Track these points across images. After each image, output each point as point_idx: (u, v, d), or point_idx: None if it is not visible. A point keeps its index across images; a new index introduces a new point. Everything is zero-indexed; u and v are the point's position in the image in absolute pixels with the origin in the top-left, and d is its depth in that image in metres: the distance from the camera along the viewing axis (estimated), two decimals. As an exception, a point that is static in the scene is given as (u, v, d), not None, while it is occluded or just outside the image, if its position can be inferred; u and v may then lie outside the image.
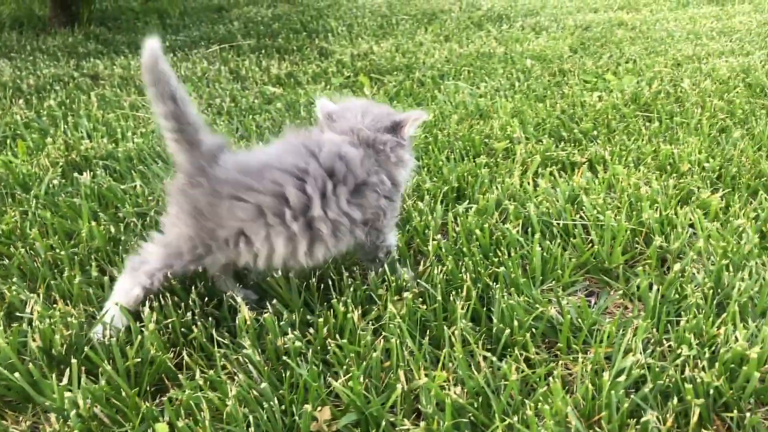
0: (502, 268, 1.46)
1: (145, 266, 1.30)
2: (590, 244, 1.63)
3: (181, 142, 1.21)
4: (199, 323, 1.27)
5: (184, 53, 3.56)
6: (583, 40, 3.91)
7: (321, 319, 1.26)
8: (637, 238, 1.66)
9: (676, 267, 1.45)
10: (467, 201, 1.85)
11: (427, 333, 1.28)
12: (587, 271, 1.57)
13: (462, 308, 1.32)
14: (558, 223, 1.70)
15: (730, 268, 1.47)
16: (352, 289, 1.37)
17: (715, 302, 1.37)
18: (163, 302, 1.31)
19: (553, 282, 1.51)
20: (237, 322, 1.28)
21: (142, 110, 2.64)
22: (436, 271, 1.43)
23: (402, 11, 4.86)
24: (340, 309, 1.29)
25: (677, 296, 1.40)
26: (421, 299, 1.38)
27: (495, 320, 1.31)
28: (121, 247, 1.57)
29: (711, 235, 1.61)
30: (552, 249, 1.55)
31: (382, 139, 1.39)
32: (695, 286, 1.41)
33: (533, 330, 1.31)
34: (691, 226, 1.70)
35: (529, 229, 1.69)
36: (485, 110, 2.59)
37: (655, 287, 1.36)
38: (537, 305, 1.36)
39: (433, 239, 1.58)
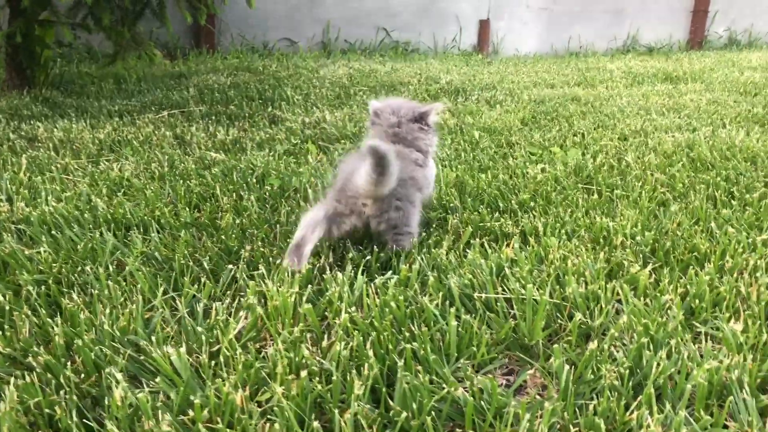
0: (410, 345, 1.37)
1: None
2: (512, 319, 1.56)
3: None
4: (65, 403, 1.16)
5: (132, 118, 3.52)
6: (535, 114, 3.94)
7: (198, 401, 1.15)
8: (560, 313, 1.59)
9: (592, 345, 1.38)
10: (391, 271, 1.77)
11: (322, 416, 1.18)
12: (507, 347, 1.49)
13: (358, 389, 1.22)
14: (479, 296, 1.63)
15: (650, 347, 1.40)
16: (241, 366, 1.27)
17: (631, 383, 1.29)
18: (29, 379, 1.19)
19: (468, 359, 1.42)
20: (107, 402, 1.17)
21: (75, 173, 2.56)
22: (338, 347, 1.34)
23: (362, 83, 4.90)
24: (224, 389, 1.19)
25: (593, 376, 1.32)
26: (317, 378, 1.28)
27: (395, 401, 1.22)
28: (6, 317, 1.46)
29: (633, 311, 1.55)
30: (471, 324, 1.47)
31: (411, 127, 2.00)
32: (613, 366, 1.34)
33: (436, 413, 1.22)
34: (620, 302, 1.64)
35: (447, 303, 1.61)
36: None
37: (567, 367, 1.28)
38: (444, 385, 1.27)
39: (346, 312, 1.49)
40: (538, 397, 1.31)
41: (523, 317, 1.54)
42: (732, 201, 2.37)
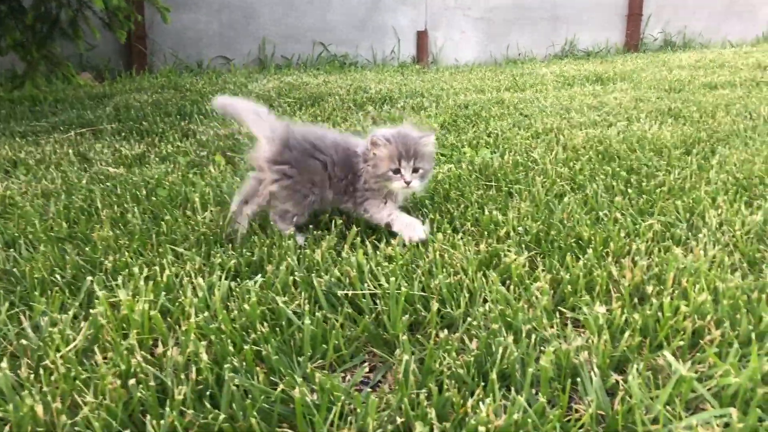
0: (251, 346, 1.30)
1: None
2: (375, 314, 1.50)
3: None
4: None
5: (35, 138, 3.41)
6: (456, 117, 3.93)
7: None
8: (426, 306, 1.53)
9: (442, 335, 1.33)
10: (260, 274, 1.71)
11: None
12: (368, 342, 1.43)
13: (179, 394, 1.15)
14: (344, 294, 1.57)
15: (503, 332, 1.36)
16: (62, 378, 1.19)
17: (483, 371, 1.25)
18: None
19: (323, 358, 1.36)
20: None
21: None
22: (170, 353, 1.27)
23: (289, 95, 4.85)
24: (27, 402, 1.11)
25: (439, 366, 1.27)
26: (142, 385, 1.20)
27: (222, 404, 1.15)
28: None
29: (496, 299, 1.50)
30: (333, 322, 1.42)
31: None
32: (460, 354, 1.29)
33: (266, 413, 1.15)
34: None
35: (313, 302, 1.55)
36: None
37: (406, 357, 1.22)
38: (283, 385, 1.21)
39: (196, 317, 1.42)
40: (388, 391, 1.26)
41: (387, 312, 1.48)
42: (629, 189, 2.36)
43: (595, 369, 1.25)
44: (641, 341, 1.37)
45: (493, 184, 2.48)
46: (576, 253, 1.81)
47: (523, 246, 1.87)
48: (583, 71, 6.27)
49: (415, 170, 1.94)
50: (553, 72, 6.33)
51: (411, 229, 1.91)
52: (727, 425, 1.13)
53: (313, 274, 1.65)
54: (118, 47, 6.47)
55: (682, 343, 1.36)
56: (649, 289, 1.56)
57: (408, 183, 1.93)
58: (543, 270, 1.70)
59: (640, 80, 5.55)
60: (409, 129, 2.00)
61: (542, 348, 1.33)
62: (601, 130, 3.40)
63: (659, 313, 1.45)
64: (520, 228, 1.94)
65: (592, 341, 1.34)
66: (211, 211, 2.20)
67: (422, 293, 1.56)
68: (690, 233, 1.96)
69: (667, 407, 1.19)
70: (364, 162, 1.97)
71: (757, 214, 2.09)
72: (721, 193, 2.31)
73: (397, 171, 1.92)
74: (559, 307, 1.54)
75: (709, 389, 1.23)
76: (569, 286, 1.61)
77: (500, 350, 1.27)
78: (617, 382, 1.25)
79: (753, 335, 1.33)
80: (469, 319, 1.42)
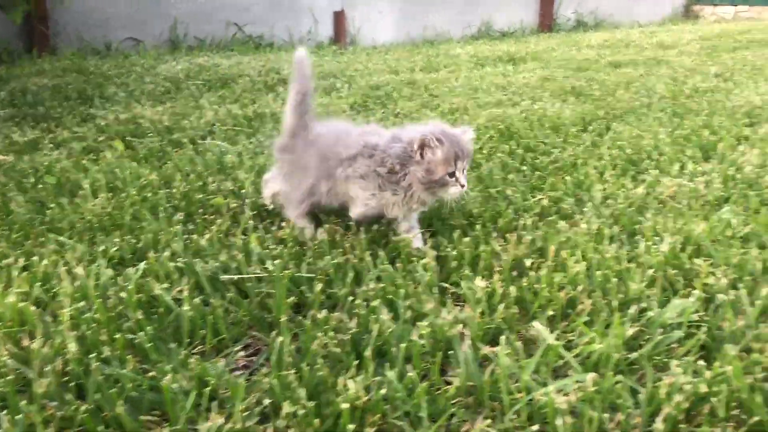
0: (123, 335, 1.28)
1: None
2: (260, 298, 1.50)
3: None
4: None
5: None
6: (367, 99, 3.93)
7: None
8: (307, 287, 1.54)
9: (320, 315, 1.33)
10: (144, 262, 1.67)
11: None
12: (251, 326, 1.43)
13: (41, 386, 1.11)
14: (227, 278, 1.56)
15: (382, 310, 1.38)
16: None
17: (357, 349, 1.26)
18: None
19: (203, 344, 1.34)
20: None
21: None
22: (37, 345, 1.23)
23: (198, 77, 4.73)
24: None
25: (312, 347, 1.27)
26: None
27: (87, 395, 1.12)
28: None
29: (382, 276, 1.52)
30: (214, 306, 1.40)
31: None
32: (339, 334, 1.30)
33: (134, 402, 1.13)
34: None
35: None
36: (229, 167, 2.46)
37: (279, 339, 1.23)
38: (155, 372, 1.19)
39: (69, 307, 1.38)
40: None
41: (269, 294, 1.48)
42: (523, 167, 2.42)
43: (468, 342, 1.29)
44: (515, 313, 1.41)
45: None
46: (465, 230, 1.85)
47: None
48: (497, 51, 6.37)
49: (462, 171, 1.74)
50: (467, 52, 6.40)
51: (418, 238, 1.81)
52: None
53: (198, 260, 1.62)
54: (17, 29, 6.13)
55: (552, 312, 1.41)
56: (528, 262, 1.61)
57: (464, 186, 1.73)
58: (431, 248, 1.73)
59: (550, 60, 5.69)
60: (444, 124, 1.81)
61: (420, 323, 1.35)
62: (504, 110, 3.47)
63: (536, 285, 1.51)
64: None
65: (469, 314, 1.38)
66: (102, 197, 2.13)
67: (309, 275, 1.56)
68: (576, 207, 2.03)
69: (537, 375, 1.24)
70: (396, 161, 1.72)
71: (640, 187, 2.19)
72: (609, 168, 2.40)
73: (452, 174, 1.70)
74: (443, 283, 1.57)
75: (576, 356, 1.29)
76: (454, 262, 1.64)
77: (376, 327, 1.28)
78: (492, 353, 1.28)
79: (616, 303, 1.39)
80: (351, 298, 1.44)
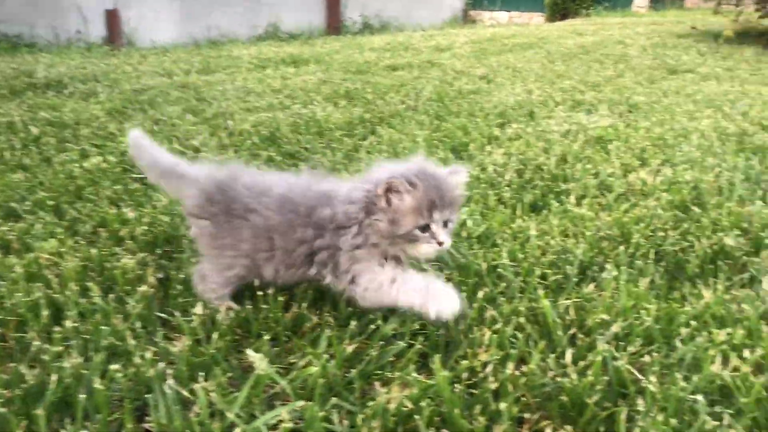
0: None
1: None
2: None
3: None
4: None
5: None
6: (128, 104, 3.63)
7: None
8: None
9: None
10: None
11: None
12: None
13: None
14: None
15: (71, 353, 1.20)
16: None
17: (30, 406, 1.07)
18: None
19: None
20: None
21: None
22: None
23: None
24: None
25: None
26: None
27: None
28: None
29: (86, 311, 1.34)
30: None
31: None
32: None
33: None
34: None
35: None
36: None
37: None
38: None
39: None
40: None
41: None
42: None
43: (171, 381, 1.15)
44: (231, 341, 1.30)
45: (143, 176, 2.30)
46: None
47: (142, 246, 1.72)
48: (281, 53, 6.28)
49: (444, 223, 1.36)
50: (251, 54, 6.24)
51: (435, 297, 1.31)
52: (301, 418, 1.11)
53: None
54: None
55: (274, 334, 1.33)
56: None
57: (441, 244, 1.34)
58: (154, 271, 1.57)
59: (332, 62, 5.71)
60: (427, 163, 1.41)
61: (118, 364, 1.19)
62: (274, 114, 3.37)
63: (263, 306, 1.41)
64: (145, 226, 1.79)
65: (177, 347, 1.25)
66: None
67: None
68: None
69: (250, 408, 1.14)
70: (361, 212, 1.35)
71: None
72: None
73: (425, 228, 1.34)
74: (159, 313, 1.42)
75: (292, 381, 1.21)
76: (179, 287, 1.50)
77: (55, 377, 1.10)
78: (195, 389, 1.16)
79: (333, 320, 1.34)
80: (37, 343, 1.24)
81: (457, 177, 1.39)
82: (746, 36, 7.02)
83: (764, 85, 4.40)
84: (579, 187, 2.23)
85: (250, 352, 1.24)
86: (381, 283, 1.33)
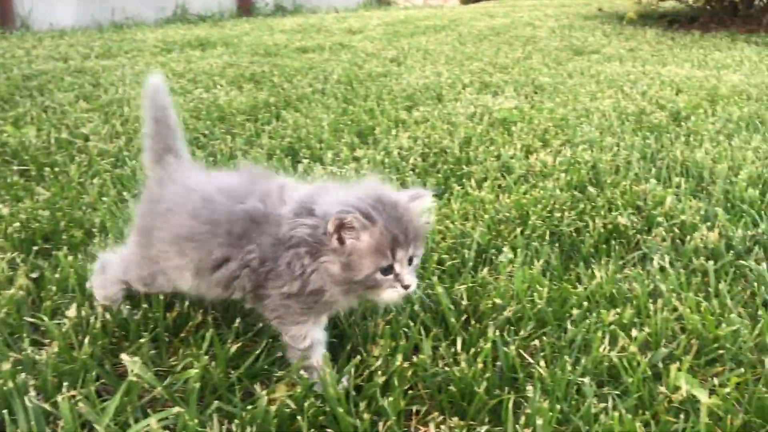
0: None
1: None
2: None
3: None
4: None
5: None
6: (15, 90, 3.40)
7: None
8: None
9: None
10: None
11: None
12: None
13: None
14: None
15: None
16: None
17: None
18: None
19: None
20: None
21: None
22: None
23: None
24: None
25: None
26: None
27: None
28: None
29: None
30: None
31: None
32: None
33: None
34: None
35: None
36: None
37: None
38: None
39: None
40: None
41: None
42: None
43: (33, 392, 1.06)
44: (107, 345, 1.22)
45: (25, 168, 2.14)
46: (76, 246, 1.60)
47: (16, 244, 1.60)
48: (188, 36, 6.05)
49: (409, 260, 1.15)
50: (156, 37, 5.98)
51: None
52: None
53: None
54: None
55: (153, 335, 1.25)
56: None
57: (407, 288, 1.13)
58: (26, 272, 1.45)
59: (241, 45, 5.54)
60: (383, 187, 1.18)
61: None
62: (173, 99, 3.22)
63: (144, 306, 1.33)
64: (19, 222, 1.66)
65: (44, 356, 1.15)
66: None
67: None
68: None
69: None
70: (306, 257, 1.10)
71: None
72: (264, 158, 2.31)
73: (388, 269, 1.11)
74: (30, 318, 1.31)
75: (171, 386, 1.14)
76: (53, 287, 1.39)
77: None
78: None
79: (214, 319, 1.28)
80: None
81: (419, 202, 1.16)
82: (648, 18, 7.27)
83: (663, 65, 4.55)
84: (481, 170, 2.23)
85: (124, 356, 1.16)
86: (305, 339, 1.16)
